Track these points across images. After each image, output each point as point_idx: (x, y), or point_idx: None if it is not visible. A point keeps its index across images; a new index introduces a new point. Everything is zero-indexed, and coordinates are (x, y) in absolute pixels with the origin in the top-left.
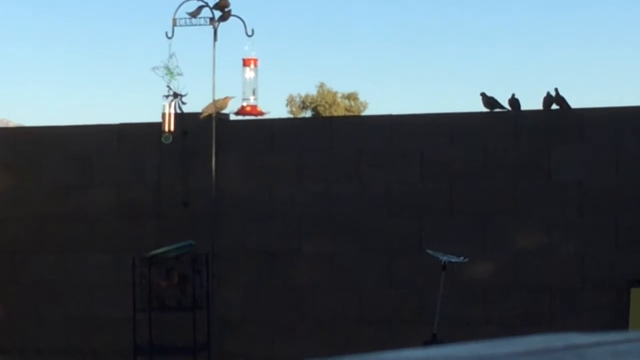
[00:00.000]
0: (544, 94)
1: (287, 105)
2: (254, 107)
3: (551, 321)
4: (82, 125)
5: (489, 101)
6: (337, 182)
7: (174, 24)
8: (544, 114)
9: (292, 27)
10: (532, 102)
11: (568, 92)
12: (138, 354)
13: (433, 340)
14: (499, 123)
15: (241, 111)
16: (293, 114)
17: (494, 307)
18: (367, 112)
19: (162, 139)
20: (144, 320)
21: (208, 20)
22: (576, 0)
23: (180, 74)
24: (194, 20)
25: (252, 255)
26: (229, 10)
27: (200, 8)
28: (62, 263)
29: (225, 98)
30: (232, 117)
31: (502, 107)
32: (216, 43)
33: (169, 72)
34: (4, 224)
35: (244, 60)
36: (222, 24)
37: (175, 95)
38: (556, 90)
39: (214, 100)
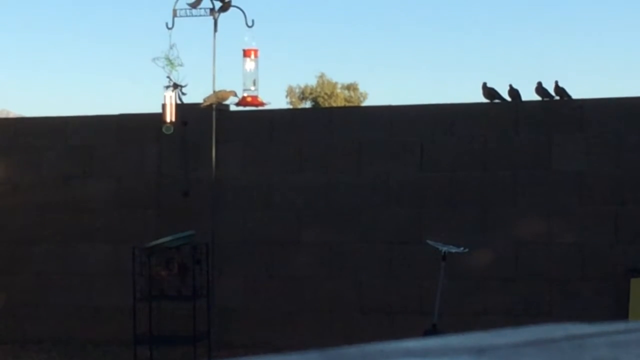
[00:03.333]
0: (536, 85)
1: (286, 96)
2: (254, 97)
3: (550, 311)
4: (82, 116)
5: (490, 92)
6: (336, 173)
7: (174, 15)
8: (544, 104)
9: (290, 17)
10: (532, 92)
11: (569, 83)
12: (138, 343)
13: (433, 330)
14: (499, 113)
15: (242, 102)
16: (292, 104)
17: (493, 297)
18: (366, 103)
19: (163, 130)
20: (144, 309)
21: (208, 11)
22: None
23: (180, 65)
24: (194, 11)
25: (252, 245)
26: (229, 1)
27: None
28: (62, 253)
29: (230, 91)
30: (233, 108)
31: (502, 99)
32: (216, 34)
33: (170, 62)
34: (4, 214)
35: (244, 51)
36: (222, 14)
37: (176, 85)
38: (556, 82)
39: (216, 91)
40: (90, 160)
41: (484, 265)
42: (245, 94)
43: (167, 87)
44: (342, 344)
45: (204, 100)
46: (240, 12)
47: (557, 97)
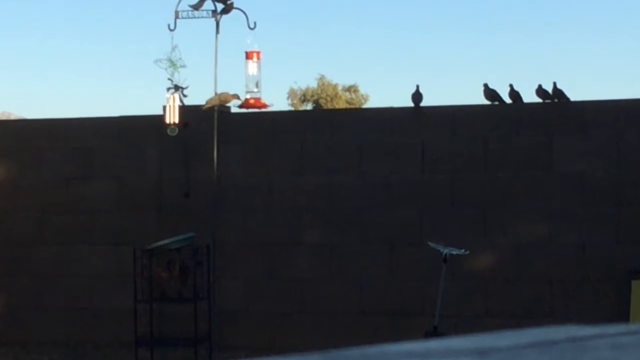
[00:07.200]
0: (537, 87)
1: (288, 98)
2: (257, 99)
3: (552, 313)
4: (84, 118)
5: (491, 93)
6: (338, 174)
7: (176, 17)
8: (545, 106)
9: (289, 19)
10: (533, 94)
11: (569, 85)
12: (139, 345)
13: (434, 332)
14: (500, 115)
15: (245, 104)
16: (294, 106)
17: (494, 299)
18: (368, 105)
19: (168, 131)
20: (145, 311)
21: (210, 12)
22: None
23: (183, 66)
24: (196, 13)
25: (253, 247)
26: (231, 3)
27: (202, 0)
28: (63, 254)
29: (233, 95)
30: (234, 110)
31: (503, 100)
32: (218, 36)
33: (172, 64)
34: (5, 216)
35: (246, 53)
36: (224, 16)
37: (177, 87)
38: (554, 84)
39: (219, 93)
40: (92, 162)
41: (485, 267)
42: (248, 96)
43: (169, 88)
44: (343, 346)
45: (206, 102)
46: (243, 14)
47: (556, 99)
